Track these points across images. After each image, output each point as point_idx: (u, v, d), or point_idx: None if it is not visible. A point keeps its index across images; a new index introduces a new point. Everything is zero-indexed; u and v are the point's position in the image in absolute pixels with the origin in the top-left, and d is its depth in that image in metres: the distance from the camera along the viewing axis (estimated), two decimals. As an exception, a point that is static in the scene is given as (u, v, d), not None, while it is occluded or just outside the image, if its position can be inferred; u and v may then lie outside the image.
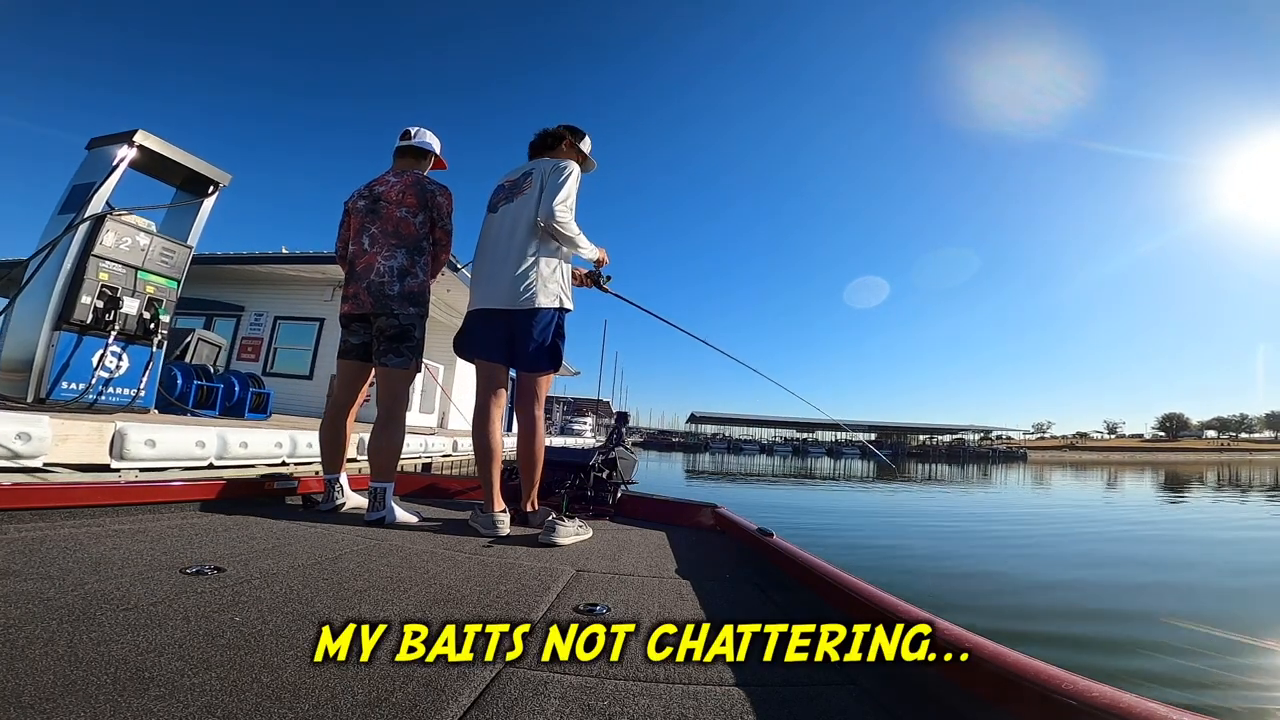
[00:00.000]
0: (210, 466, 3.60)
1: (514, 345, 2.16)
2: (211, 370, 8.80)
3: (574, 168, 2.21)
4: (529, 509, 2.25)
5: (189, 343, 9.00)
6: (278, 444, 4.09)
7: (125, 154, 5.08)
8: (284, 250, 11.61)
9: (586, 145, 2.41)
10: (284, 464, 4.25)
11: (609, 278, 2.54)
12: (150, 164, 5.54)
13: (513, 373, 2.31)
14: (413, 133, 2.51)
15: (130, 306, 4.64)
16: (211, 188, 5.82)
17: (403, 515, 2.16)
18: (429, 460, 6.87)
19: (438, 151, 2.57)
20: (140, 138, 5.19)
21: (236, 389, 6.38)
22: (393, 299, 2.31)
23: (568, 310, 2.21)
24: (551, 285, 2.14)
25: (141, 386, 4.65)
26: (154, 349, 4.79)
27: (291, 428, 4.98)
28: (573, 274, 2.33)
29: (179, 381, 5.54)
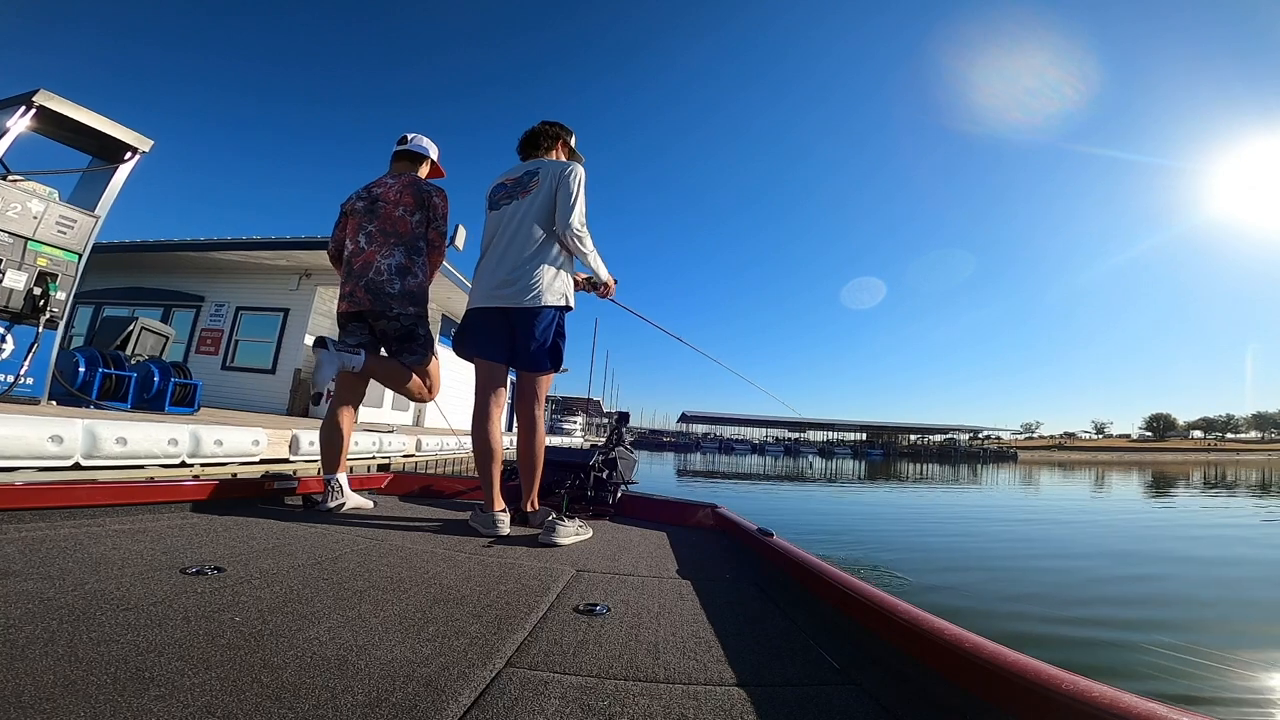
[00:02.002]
0: (76, 467, 2.97)
1: (514, 344, 2.14)
2: (125, 359, 8.12)
3: (582, 173, 2.19)
4: (529, 509, 2.22)
5: (130, 332, 8.30)
6: (171, 440, 3.44)
7: (22, 115, 4.44)
8: (251, 239, 10.91)
9: (574, 141, 2.40)
10: (183, 464, 3.62)
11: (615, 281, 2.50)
12: (57, 128, 4.90)
13: (512, 373, 2.29)
14: (409, 138, 2.53)
15: (14, 280, 3.99)
16: (129, 154, 5.17)
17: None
18: (386, 460, 6.18)
19: (434, 158, 2.58)
20: (40, 98, 4.56)
21: (156, 379, 5.69)
22: (393, 297, 2.30)
23: (569, 309, 2.21)
24: (555, 285, 2.14)
25: (23, 372, 3.99)
26: (40, 329, 4.13)
27: (218, 422, 4.35)
28: (573, 278, 2.32)
29: (81, 369, 4.86)
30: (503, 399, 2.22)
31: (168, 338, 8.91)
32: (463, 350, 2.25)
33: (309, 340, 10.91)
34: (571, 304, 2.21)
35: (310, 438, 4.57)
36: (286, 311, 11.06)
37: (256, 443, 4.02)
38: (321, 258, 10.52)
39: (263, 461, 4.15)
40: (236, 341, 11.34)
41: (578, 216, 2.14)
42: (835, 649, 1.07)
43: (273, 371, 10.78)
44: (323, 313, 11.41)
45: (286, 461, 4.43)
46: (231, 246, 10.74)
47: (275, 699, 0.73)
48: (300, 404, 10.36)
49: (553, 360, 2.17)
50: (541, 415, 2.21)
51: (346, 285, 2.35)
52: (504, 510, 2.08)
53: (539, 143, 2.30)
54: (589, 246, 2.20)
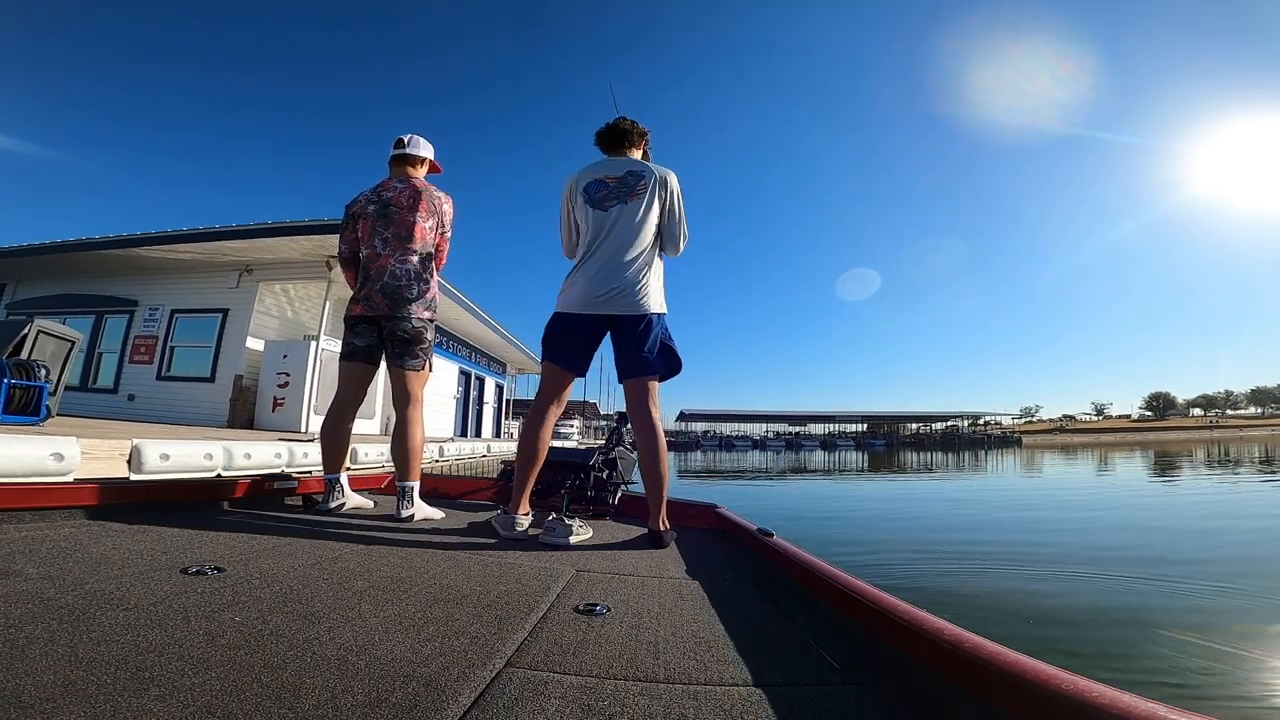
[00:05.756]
0: None
1: (627, 353, 2.12)
2: (48, 372, 6.85)
3: (679, 191, 2.22)
4: (661, 528, 2.07)
5: (25, 336, 7.07)
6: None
7: None
8: (182, 231, 9.68)
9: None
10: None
11: None
12: None
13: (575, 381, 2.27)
14: (406, 140, 2.54)
15: None
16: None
17: (428, 512, 2.23)
18: (303, 474, 4.88)
19: (432, 156, 2.60)
20: None
21: (-21, 381, 4.49)
22: (410, 302, 2.37)
23: (665, 314, 2.18)
24: (659, 293, 2.16)
25: None
26: None
27: (37, 434, 3.16)
28: None
29: None
30: (560, 408, 2.21)
31: (73, 343, 7.64)
32: (549, 353, 2.19)
33: (252, 343, 9.68)
34: (666, 309, 2.19)
35: (160, 450, 3.36)
36: (226, 312, 9.84)
37: (59, 457, 2.82)
38: (261, 248, 9.32)
39: (78, 482, 2.95)
40: (172, 348, 10.10)
41: (683, 243, 2.23)
42: (835, 649, 1.06)
43: (211, 379, 9.55)
44: (266, 311, 10.19)
45: (125, 482, 3.22)
46: (161, 240, 9.52)
47: (275, 699, 0.72)
48: (242, 414, 9.13)
49: (668, 363, 2.14)
50: (659, 420, 2.12)
51: (362, 289, 2.39)
52: (527, 514, 2.08)
53: (630, 140, 2.29)
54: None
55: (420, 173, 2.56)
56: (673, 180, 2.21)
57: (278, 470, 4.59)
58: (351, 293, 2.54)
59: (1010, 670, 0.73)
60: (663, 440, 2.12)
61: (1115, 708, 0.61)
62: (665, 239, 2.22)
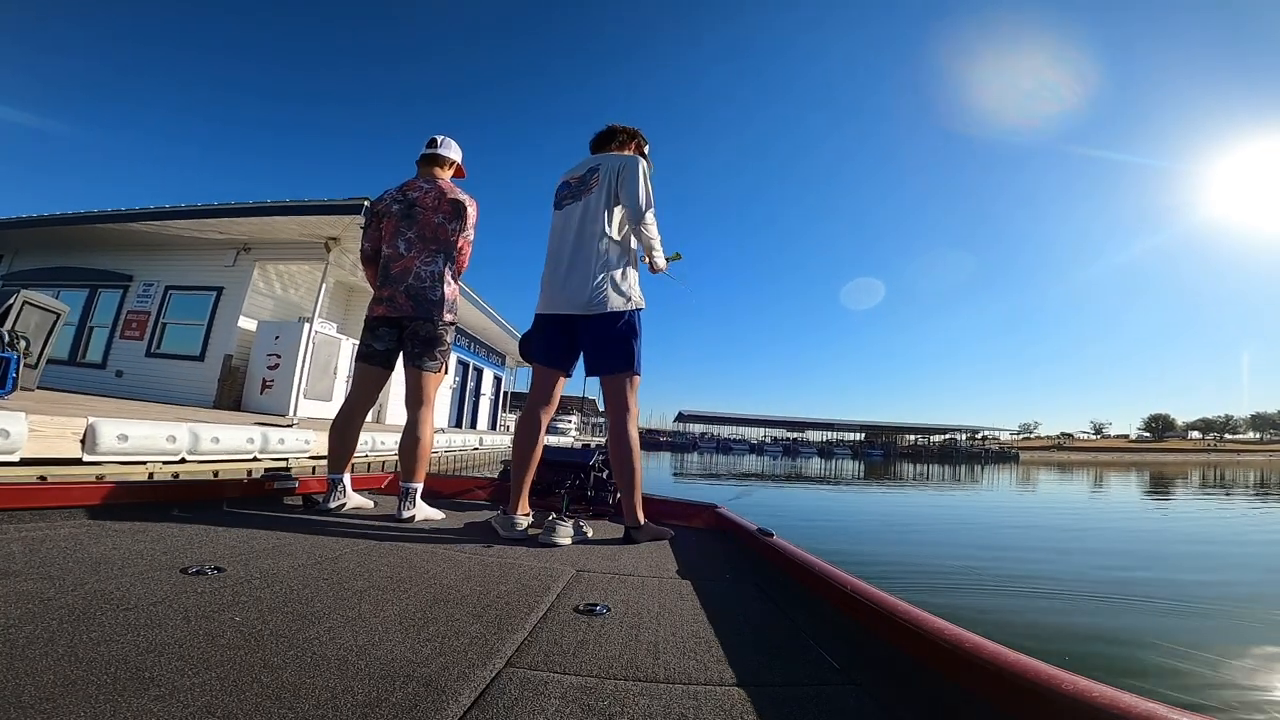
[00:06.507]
0: None
1: (587, 352, 2.14)
2: (28, 344, 6.72)
3: (644, 163, 2.14)
4: (634, 524, 2.07)
5: (10, 306, 6.90)
6: None
7: None
8: (179, 207, 9.47)
9: (647, 148, 2.35)
10: None
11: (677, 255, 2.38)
12: None
13: (564, 378, 2.27)
14: (439, 141, 2.56)
15: None
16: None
17: (428, 512, 2.24)
18: (281, 462, 4.68)
19: (459, 160, 2.61)
20: None
21: (-63, 350, 4.27)
22: (434, 304, 2.37)
23: (640, 309, 2.14)
24: (622, 286, 2.09)
25: None
26: None
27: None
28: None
29: None
30: (552, 407, 2.21)
31: (59, 315, 7.47)
32: (527, 354, 2.26)
33: (245, 322, 9.49)
34: (641, 304, 2.13)
35: (118, 430, 3.16)
36: (220, 290, 9.63)
37: (4, 434, 2.63)
38: (260, 227, 9.13)
39: (24, 462, 2.75)
40: (164, 325, 9.90)
41: (643, 204, 2.07)
42: (835, 649, 1.06)
43: (201, 358, 9.34)
44: (261, 291, 9.98)
45: (77, 462, 3.03)
46: (159, 216, 9.31)
47: (275, 699, 0.72)
48: (230, 395, 8.93)
49: (628, 361, 2.07)
50: (632, 423, 2.10)
51: (385, 290, 2.38)
52: (526, 514, 2.07)
53: (613, 137, 2.27)
54: (654, 233, 2.13)
55: (447, 174, 2.57)
56: (631, 160, 2.11)
57: (249, 455, 4.42)
58: (369, 286, 2.56)
59: (1010, 670, 0.73)
60: (633, 438, 2.10)
61: (1115, 708, 0.61)
62: (626, 217, 2.10)
